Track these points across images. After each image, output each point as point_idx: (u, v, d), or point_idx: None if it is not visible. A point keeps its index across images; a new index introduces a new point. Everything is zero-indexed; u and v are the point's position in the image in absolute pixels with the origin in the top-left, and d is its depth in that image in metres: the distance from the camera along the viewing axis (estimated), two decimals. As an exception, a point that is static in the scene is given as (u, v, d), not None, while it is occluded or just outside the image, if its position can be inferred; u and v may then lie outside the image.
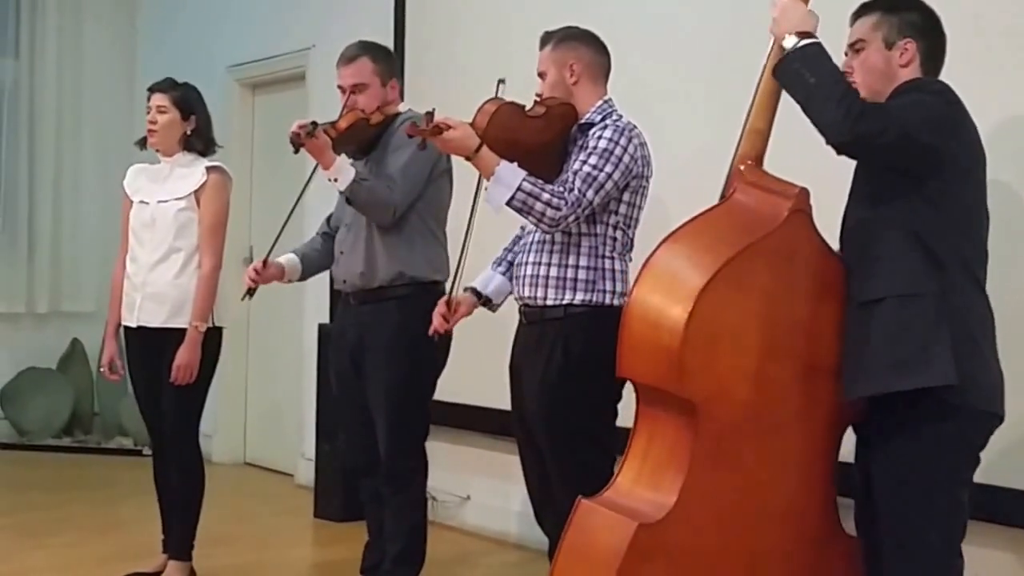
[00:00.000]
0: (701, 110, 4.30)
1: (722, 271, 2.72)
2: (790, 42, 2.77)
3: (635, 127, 3.45)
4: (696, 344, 2.70)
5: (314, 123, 3.67)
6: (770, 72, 2.86)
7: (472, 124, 3.31)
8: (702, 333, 2.70)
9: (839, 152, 2.70)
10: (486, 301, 3.67)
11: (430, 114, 3.30)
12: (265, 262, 3.97)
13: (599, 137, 3.36)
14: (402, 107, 3.98)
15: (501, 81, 3.39)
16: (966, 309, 2.67)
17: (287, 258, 4.09)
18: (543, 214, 3.27)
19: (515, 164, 3.30)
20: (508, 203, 3.26)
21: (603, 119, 3.44)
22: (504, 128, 3.31)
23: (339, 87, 3.92)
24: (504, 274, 3.67)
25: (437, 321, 3.57)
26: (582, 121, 3.47)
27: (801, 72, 2.72)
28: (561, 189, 3.29)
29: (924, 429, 2.65)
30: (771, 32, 2.86)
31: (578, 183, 3.29)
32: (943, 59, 2.86)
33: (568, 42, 3.51)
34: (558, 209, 3.26)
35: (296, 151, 3.69)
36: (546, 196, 3.26)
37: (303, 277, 4.21)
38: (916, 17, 2.82)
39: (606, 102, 3.50)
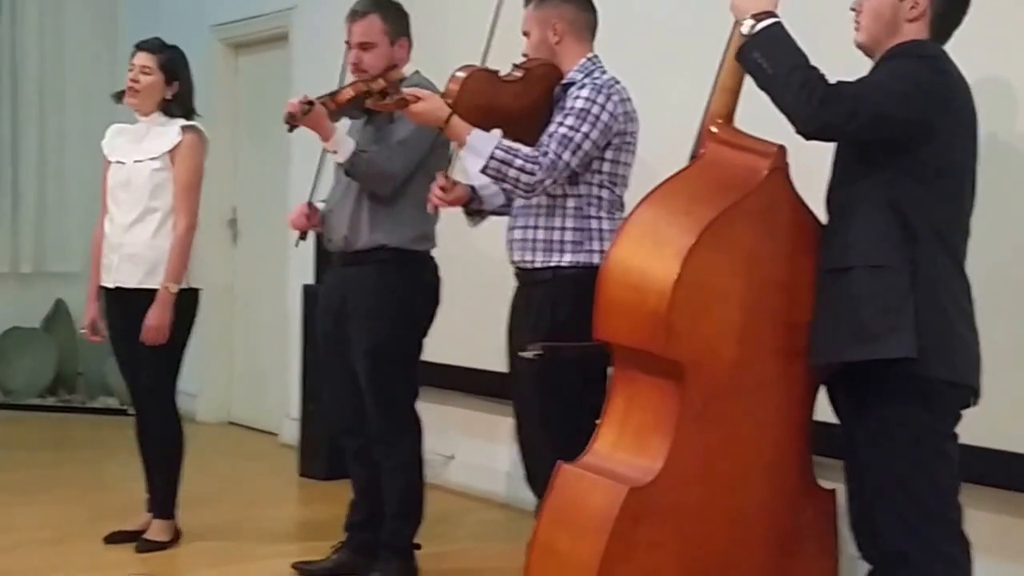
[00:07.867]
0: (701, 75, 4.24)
1: (707, 231, 2.70)
2: (746, 27, 2.69)
3: (616, 83, 3.40)
4: (684, 305, 2.68)
5: (310, 101, 3.58)
6: (732, 57, 2.79)
7: (444, 92, 3.28)
8: (689, 294, 2.69)
9: (808, 139, 2.63)
10: (476, 208, 3.60)
11: (396, 85, 3.26)
12: (310, 204, 3.90)
13: (576, 97, 3.32)
14: (408, 69, 3.87)
15: None
16: (937, 280, 2.61)
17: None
18: (517, 180, 3.24)
19: (497, 131, 3.26)
20: (482, 171, 3.22)
21: (584, 77, 3.38)
22: (478, 94, 3.27)
23: (346, 43, 3.82)
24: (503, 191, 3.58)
25: (435, 193, 3.43)
26: (565, 81, 3.42)
27: (759, 62, 2.64)
28: (535, 153, 3.26)
29: (894, 395, 2.63)
30: (730, 11, 2.78)
31: (553, 145, 3.26)
32: (956, 24, 2.73)
33: (551, 0, 3.45)
34: (532, 174, 3.23)
35: (291, 130, 3.63)
36: (519, 161, 3.23)
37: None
38: None
39: (589, 59, 3.44)
